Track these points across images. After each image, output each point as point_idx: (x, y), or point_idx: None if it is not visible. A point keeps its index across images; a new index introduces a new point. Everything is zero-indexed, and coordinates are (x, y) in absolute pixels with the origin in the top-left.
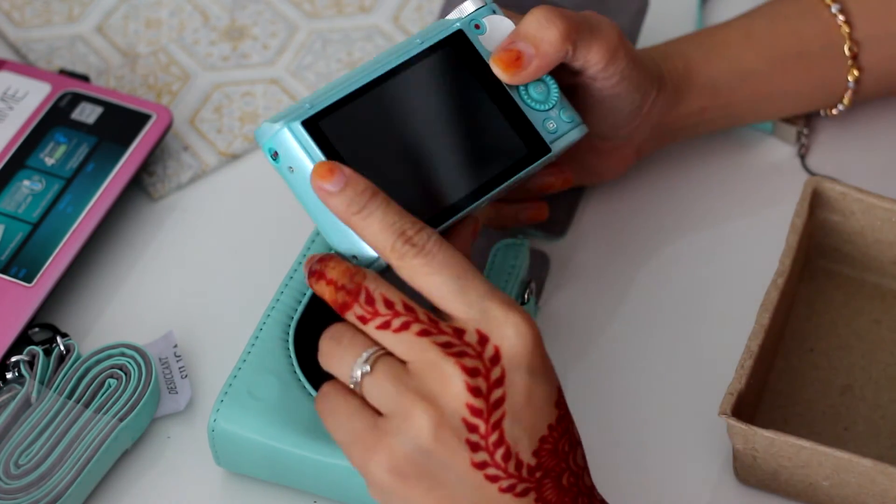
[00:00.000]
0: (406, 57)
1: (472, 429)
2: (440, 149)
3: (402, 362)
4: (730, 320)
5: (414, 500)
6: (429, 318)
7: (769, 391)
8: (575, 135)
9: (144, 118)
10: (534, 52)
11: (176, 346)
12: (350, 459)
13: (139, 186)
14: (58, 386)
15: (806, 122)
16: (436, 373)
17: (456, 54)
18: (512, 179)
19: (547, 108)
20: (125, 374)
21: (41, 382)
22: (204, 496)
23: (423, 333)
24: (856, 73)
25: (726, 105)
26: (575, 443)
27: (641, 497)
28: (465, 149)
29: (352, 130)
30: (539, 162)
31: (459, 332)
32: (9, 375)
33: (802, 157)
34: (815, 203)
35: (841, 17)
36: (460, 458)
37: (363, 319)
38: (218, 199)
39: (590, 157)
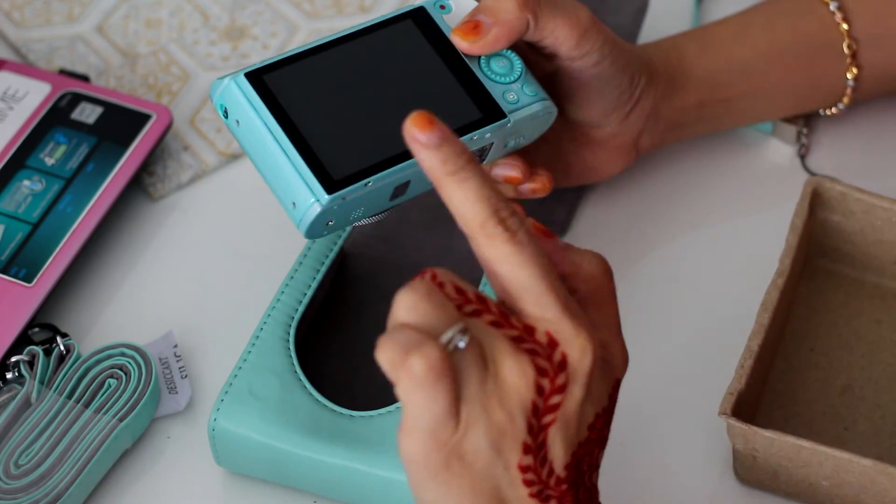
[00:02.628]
0: (364, 26)
1: (530, 429)
2: (391, 109)
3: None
4: (730, 320)
5: (454, 487)
6: (500, 310)
7: (769, 391)
8: (537, 107)
9: (144, 118)
10: (492, 22)
11: (176, 346)
12: (410, 442)
13: (139, 186)
14: (58, 386)
15: (806, 122)
16: (508, 366)
17: (416, 28)
18: (462, 139)
19: (508, 81)
20: (125, 374)
21: (41, 382)
22: (204, 496)
23: (495, 325)
24: (855, 70)
25: (724, 100)
26: (594, 465)
27: (642, 497)
28: (416, 109)
29: (299, 85)
30: (493, 126)
31: (530, 330)
32: (9, 375)
33: (802, 157)
34: (815, 203)
35: (839, 15)
36: (513, 457)
37: (459, 307)
38: (218, 199)
39: (586, 150)
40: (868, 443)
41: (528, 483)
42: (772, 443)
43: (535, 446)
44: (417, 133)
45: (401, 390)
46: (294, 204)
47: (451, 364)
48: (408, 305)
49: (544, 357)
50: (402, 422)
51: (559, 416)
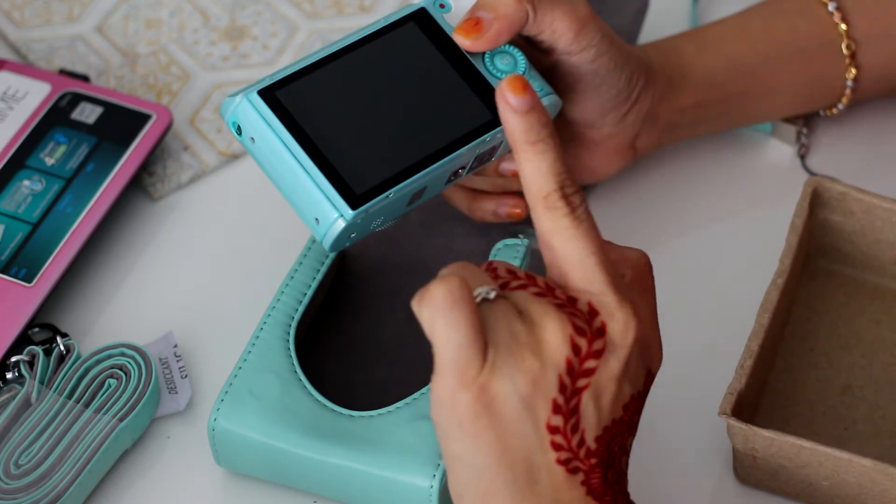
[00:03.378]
0: (368, 32)
1: (562, 388)
2: (403, 116)
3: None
4: (730, 320)
5: (481, 441)
6: (546, 284)
7: (769, 391)
8: (544, 102)
9: (144, 118)
10: (492, 17)
11: (176, 346)
12: (439, 381)
13: (139, 186)
14: (58, 386)
15: (805, 122)
16: (547, 325)
17: (419, 30)
18: (477, 142)
19: None
20: (125, 374)
21: (41, 382)
22: (204, 496)
23: (539, 294)
24: (854, 71)
25: (723, 100)
26: (625, 449)
27: (641, 497)
28: (429, 115)
29: (311, 99)
30: None
31: (572, 300)
32: (9, 375)
33: (802, 157)
34: (815, 203)
35: (837, 15)
36: (542, 415)
37: (495, 278)
38: (218, 199)
39: (584, 151)
40: (868, 443)
41: (555, 447)
42: (772, 443)
43: (567, 409)
44: (510, 95)
45: (425, 322)
46: (317, 220)
47: (469, 293)
48: (441, 274)
49: (583, 320)
50: (434, 367)
51: (593, 383)
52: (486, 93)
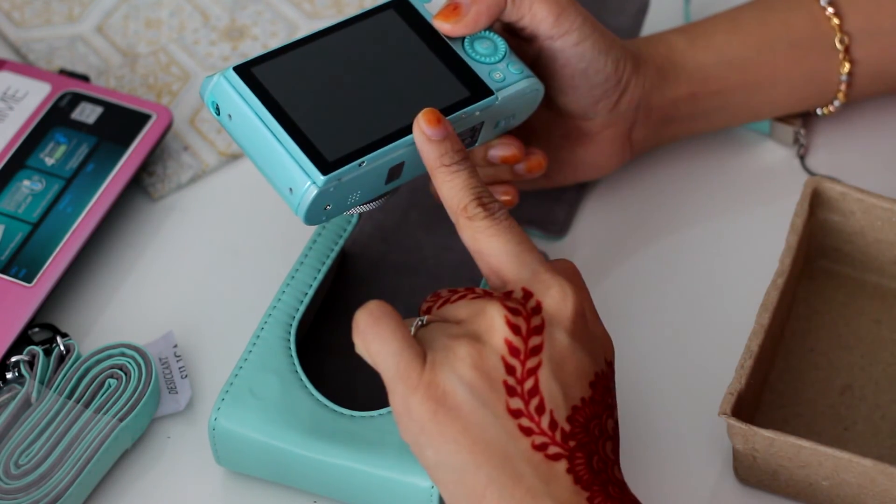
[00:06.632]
0: (348, 18)
1: (510, 370)
2: (379, 92)
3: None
4: (730, 320)
5: (449, 439)
6: (484, 291)
7: (769, 391)
8: (524, 84)
9: (144, 118)
10: (471, 1)
11: (176, 346)
12: (392, 397)
13: (139, 186)
14: (58, 386)
15: (803, 122)
16: (481, 316)
17: (399, 17)
18: (453, 116)
19: (493, 61)
20: (125, 374)
21: (41, 382)
22: (204, 496)
23: (476, 297)
24: (848, 65)
25: (717, 93)
26: (606, 433)
27: (641, 497)
28: (405, 92)
29: (286, 75)
30: (482, 103)
31: (507, 294)
32: (9, 375)
33: (802, 157)
34: (815, 203)
35: (830, 10)
36: (497, 399)
37: (429, 310)
38: (218, 199)
39: (579, 146)
40: (868, 443)
41: (525, 431)
42: (772, 443)
43: (524, 391)
44: (426, 127)
45: (360, 350)
46: (291, 190)
47: (389, 309)
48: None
49: (517, 302)
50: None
51: (545, 360)
52: (464, 74)
